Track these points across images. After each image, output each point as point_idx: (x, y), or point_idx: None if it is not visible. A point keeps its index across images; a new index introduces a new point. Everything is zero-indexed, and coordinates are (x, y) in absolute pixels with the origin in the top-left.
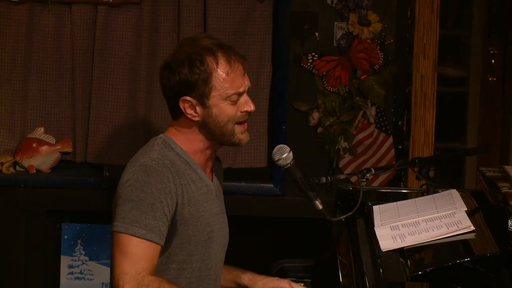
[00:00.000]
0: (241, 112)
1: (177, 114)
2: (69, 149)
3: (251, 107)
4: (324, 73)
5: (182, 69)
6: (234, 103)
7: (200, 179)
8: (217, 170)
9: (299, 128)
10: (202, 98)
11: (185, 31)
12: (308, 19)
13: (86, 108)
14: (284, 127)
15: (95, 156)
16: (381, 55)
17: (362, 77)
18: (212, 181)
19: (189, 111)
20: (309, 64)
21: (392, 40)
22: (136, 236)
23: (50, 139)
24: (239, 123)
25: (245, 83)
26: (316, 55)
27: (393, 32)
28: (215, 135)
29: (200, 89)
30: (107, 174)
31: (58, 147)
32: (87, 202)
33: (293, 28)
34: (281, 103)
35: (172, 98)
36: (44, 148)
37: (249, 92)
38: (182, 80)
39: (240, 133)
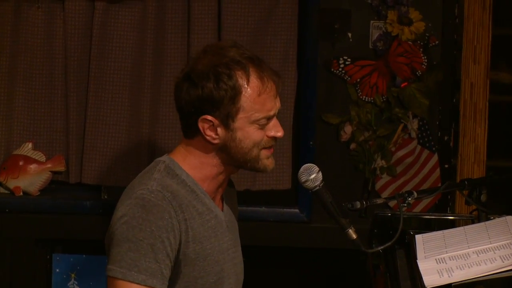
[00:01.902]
0: (268, 137)
1: (191, 133)
2: (61, 168)
3: (280, 132)
4: (358, 80)
5: (207, 83)
6: (262, 127)
7: (208, 210)
8: (229, 195)
9: (329, 144)
10: (227, 119)
11: (196, 31)
12: (340, 17)
13: (81, 121)
14: (311, 143)
15: (91, 176)
16: (425, 59)
17: (402, 85)
18: (222, 210)
19: (209, 132)
20: (340, 69)
21: (437, 42)
22: (135, 283)
23: (40, 156)
24: (265, 148)
25: (276, 106)
26: (349, 59)
27: (438, 33)
28: (236, 160)
29: (225, 108)
30: (106, 197)
31: (49, 165)
32: (82, 230)
33: (322, 27)
34: (308, 115)
35: (190, 116)
36: (33, 166)
37: (279, 114)
38: (206, 96)
39: (266, 158)
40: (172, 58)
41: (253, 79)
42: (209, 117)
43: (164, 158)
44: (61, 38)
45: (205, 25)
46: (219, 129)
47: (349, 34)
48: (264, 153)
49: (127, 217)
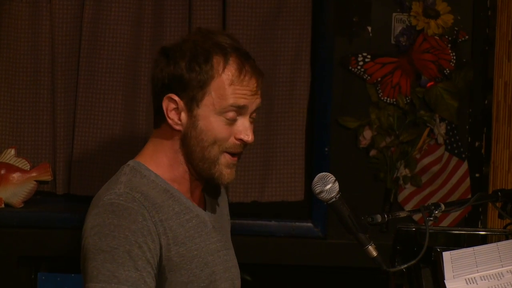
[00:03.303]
0: (235, 139)
1: (158, 119)
2: (47, 177)
3: (249, 136)
4: (379, 79)
5: (180, 60)
6: (230, 123)
7: (187, 208)
8: (213, 193)
9: (346, 150)
10: (191, 103)
11: (198, 24)
12: (358, 9)
13: (70, 125)
14: (326, 149)
15: (81, 186)
16: (453, 56)
17: (428, 85)
18: (205, 209)
19: (172, 115)
20: (359, 67)
21: (467, 37)
22: None
23: (23, 164)
24: (228, 152)
25: (251, 103)
26: (369, 56)
27: (468, 26)
28: (194, 157)
29: (192, 91)
30: None
31: (34, 174)
32: (70, 246)
33: (339, 21)
34: (323, 118)
35: (157, 95)
36: (16, 175)
37: (254, 121)
38: (176, 74)
39: (225, 166)
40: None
41: (231, 68)
42: (175, 97)
43: (129, 162)
44: (47, 33)
45: (208, 17)
46: (183, 114)
47: (369, 28)
48: (225, 158)
49: (97, 227)
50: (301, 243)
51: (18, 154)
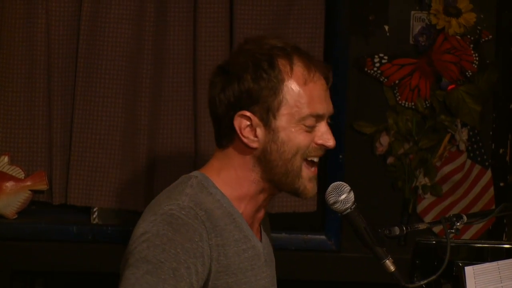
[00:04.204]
0: (315, 144)
1: (226, 140)
2: (43, 186)
3: (331, 141)
4: (397, 81)
5: (244, 73)
6: (309, 130)
7: (246, 238)
8: (265, 224)
9: (362, 158)
10: (267, 116)
11: (203, 23)
12: (375, 7)
13: (67, 130)
14: (341, 156)
15: (79, 196)
16: (476, 56)
17: (449, 88)
18: (261, 240)
19: (247, 133)
20: (375, 69)
21: (490, 37)
22: None
23: (17, 172)
24: (310, 162)
25: (328, 105)
26: (386, 57)
27: (492, 25)
28: (275, 172)
29: (266, 101)
30: (96, 221)
31: (29, 183)
32: (68, 260)
33: (354, 19)
34: (337, 124)
35: (224, 116)
36: (9, 184)
37: (329, 118)
38: (244, 90)
39: (308, 180)
40: (175, 55)
41: (298, 67)
42: (247, 113)
43: (195, 173)
44: (43, 32)
45: (214, 16)
46: (258, 130)
47: (386, 27)
48: (306, 170)
49: (149, 234)
50: (313, 256)
51: (11, 162)
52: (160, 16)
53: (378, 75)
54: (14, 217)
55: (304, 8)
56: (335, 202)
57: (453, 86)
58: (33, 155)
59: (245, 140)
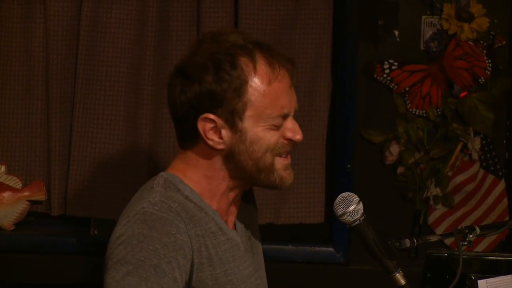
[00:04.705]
0: (284, 139)
1: (190, 142)
2: (41, 196)
3: (298, 135)
4: (407, 88)
5: (205, 75)
6: (277, 128)
7: (221, 230)
8: (245, 215)
9: (371, 167)
10: (233, 118)
11: (207, 27)
12: (385, 11)
13: (66, 139)
14: (349, 166)
15: (78, 207)
16: (489, 63)
17: (461, 95)
18: (235, 229)
19: (212, 135)
20: (385, 75)
21: (504, 42)
22: None
23: (15, 182)
24: (280, 155)
25: (293, 102)
26: (396, 63)
27: (505, 31)
28: (246, 171)
29: (230, 103)
30: (96, 232)
31: (26, 193)
32: (67, 273)
33: (363, 24)
34: (345, 132)
35: (186, 119)
36: (6, 195)
37: (295, 113)
38: (205, 91)
39: (283, 169)
40: (177, 61)
41: (261, 65)
42: (211, 116)
43: (161, 173)
44: (41, 36)
45: (218, 20)
46: (223, 131)
47: (396, 33)
48: (279, 161)
49: (124, 236)
50: (321, 269)
51: (8, 171)
52: (163, 21)
53: (388, 82)
54: (11, 229)
55: (311, 13)
56: (343, 214)
57: (465, 93)
58: (31, 165)
59: (210, 142)
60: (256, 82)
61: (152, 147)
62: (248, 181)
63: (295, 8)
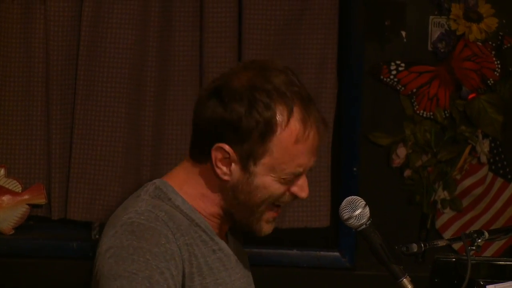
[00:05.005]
0: (289, 193)
1: (200, 156)
2: (41, 200)
3: (304, 193)
4: (414, 90)
5: (238, 105)
6: (286, 182)
7: (212, 240)
8: (234, 238)
9: (378, 170)
10: (247, 159)
11: (210, 28)
12: (391, 12)
13: (67, 141)
14: (355, 169)
15: (79, 211)
16: (498, 64)
17: (469, 97)
18: (227, 242)
19: (221, 165)
20: (392, 77)
21: None
22: None
23: (14, 185)
24: (276, 206)
25: (311, 162)
26: (403, 64)
27: None
28: (238, 209)
29: (251, 145)
30: (97, 236)
31: (26, 197)
32: (67, 278)
33: (370, 25)
34: (351, 135)
35: (206, 137)
36: (5, 198)
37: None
38: (232, 121)
39: (266, 221)
40: (180, 62)
41: (295, 120)
42: (227, 147)
43: (154, 180)
44: (41, 37)
45: (222, 20)
46: (233, 166)
47: (403, 33)
48: (269, 214)
49: (113, 248)
50: (326, 274)
51: (8, 174)
52: (165, 21)
53: (395, 83)
54: (11, 233)
55: (316, 13)
56: (349, 218)
57: (473, 95)
58: (31, 168)
59: (217, 170)
60: (283, 136)
61: (155, 150)
62: (234, 218)
63: (300, 8)
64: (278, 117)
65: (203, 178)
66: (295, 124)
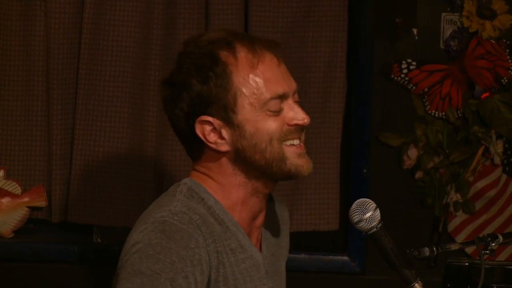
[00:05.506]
0: (289, 125)
1: (196, 151)
2: (41, 202)
3: (303, 117)
4: (426, 89)
5: (190, 79)
6: (276, 113)
7: (242, 247)
8: (274, 228)
9: (388, 172)
10: (227, 113)
11: (216, 26)
12: (402, 9)
13: (68, 142)
14: (365, 170)
15: (80, 213)
16: None
17: (482, 96)
18: (260, 250)
19: (212, 138)
20: (403, 76)
21: None
22: None
23: (14, 187)
24: (287, 142)
25: (287, 81)
26: (414, 63)
27: None
28: (257, 167)
29: (220, 99)
30: (99, 240)
31: (26, 199)
32: (68, 282)
33: (380, 22)
34: (360, 135)
35: (185, 128)
36: (5, 201)
37: (297, 97)
38: (194, 95)
39: (296, 157)
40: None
41: (242, 53)
42: (206, 117)
43: (185, 180)
44: (42, 35)
45: (228, 18)
46: (223, 131)
47: (414, 31)
48: (290, 150)
49: (140, 244)
50: (335, 279)
51: (7, 176)
52: (169, 18)
53: (406, 82)
54: (10, 236)
55: (325, 10)
56: (359, 221)
57: (487, 94)
58: (31, 169)
59: (212, 145)
60: (240, 71)
61: (158, 151)
62: (266, 177)
63: (308, 5)
64: (226, 60)
65: (212, 168)
66: (242, 55)
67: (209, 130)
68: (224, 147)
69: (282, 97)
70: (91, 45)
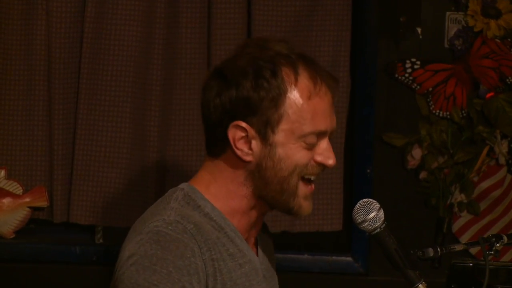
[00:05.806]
0: (315, 162)
1: (218, 149)
2: (43, 202)
3: (331, 160)
4: (430, 89)
5: (243, 80)
6: (309, 147)
7: (240, 252)
8: (264, 242)
9: (392, 172)
10: (265, 129)
11: (219, 25)
12: (406, 8)
13: (69, 142)
14: (369, 170)
15: (82, 214)
16: None
17: (487, 96)
18: (257, 255)
19: (241, 145)
20: (407, 75)
21: None
22: None
23: (15, 187)
24: (306, 180)
25: (332, 122)
26: (418, 62)
27: None
28: (269, 189)
29: (265, 113)
30: (101, 241)
31: (27, 199)
32: (70, 283)
33: (384, 21)
34: (364, 135)
35: (218, 124)
36: (6, 201)
37: (332, 135)
38: (242, 97)
39: (304, 198)
40: (187, 60)
41: (303, 79)
42: (243, 124)
43: (182, 185)
44: (43, 34)
45: (230, 17)
46: (254, 142)
47: (418, 30)
48: (303, 189)
49: (136, 256)
50: (339, 280)
51: (8, 176)
52: (172, 18)
53: (410, 82)
54: (12, 237)
55: (328, 9)
56: (363, 221)
57: (492, 94)
58: (32, 169)
59: (238, 152)
60: (295, 95)
61: (161, 151)
62: (269, 202)
63: (312, 4)
64: (286, 79)
65: (227, 171)
66: (303, 81)
67: (240, 137)
68: (249, 158)
69: (321, 134)
70: (92, 44)
